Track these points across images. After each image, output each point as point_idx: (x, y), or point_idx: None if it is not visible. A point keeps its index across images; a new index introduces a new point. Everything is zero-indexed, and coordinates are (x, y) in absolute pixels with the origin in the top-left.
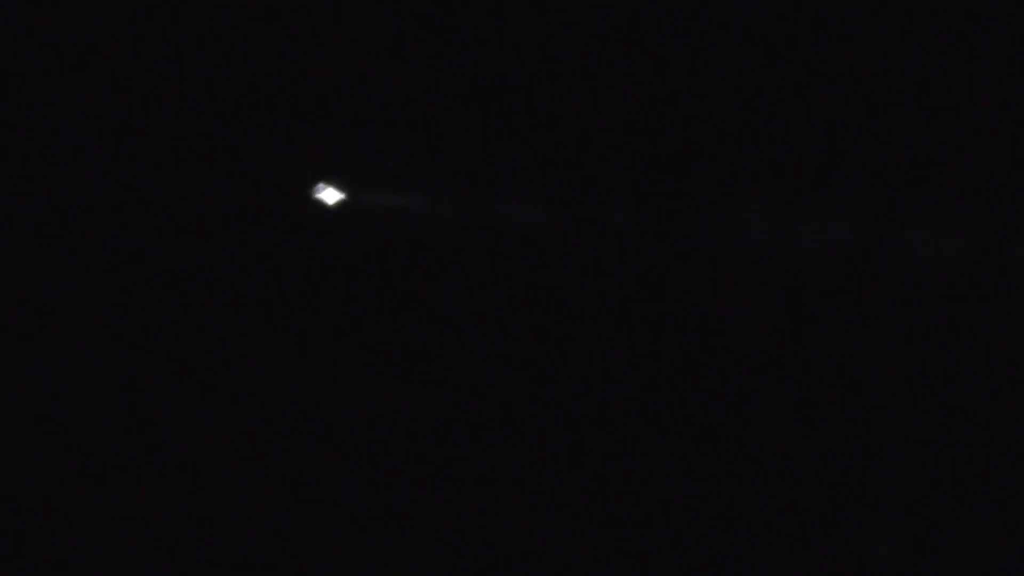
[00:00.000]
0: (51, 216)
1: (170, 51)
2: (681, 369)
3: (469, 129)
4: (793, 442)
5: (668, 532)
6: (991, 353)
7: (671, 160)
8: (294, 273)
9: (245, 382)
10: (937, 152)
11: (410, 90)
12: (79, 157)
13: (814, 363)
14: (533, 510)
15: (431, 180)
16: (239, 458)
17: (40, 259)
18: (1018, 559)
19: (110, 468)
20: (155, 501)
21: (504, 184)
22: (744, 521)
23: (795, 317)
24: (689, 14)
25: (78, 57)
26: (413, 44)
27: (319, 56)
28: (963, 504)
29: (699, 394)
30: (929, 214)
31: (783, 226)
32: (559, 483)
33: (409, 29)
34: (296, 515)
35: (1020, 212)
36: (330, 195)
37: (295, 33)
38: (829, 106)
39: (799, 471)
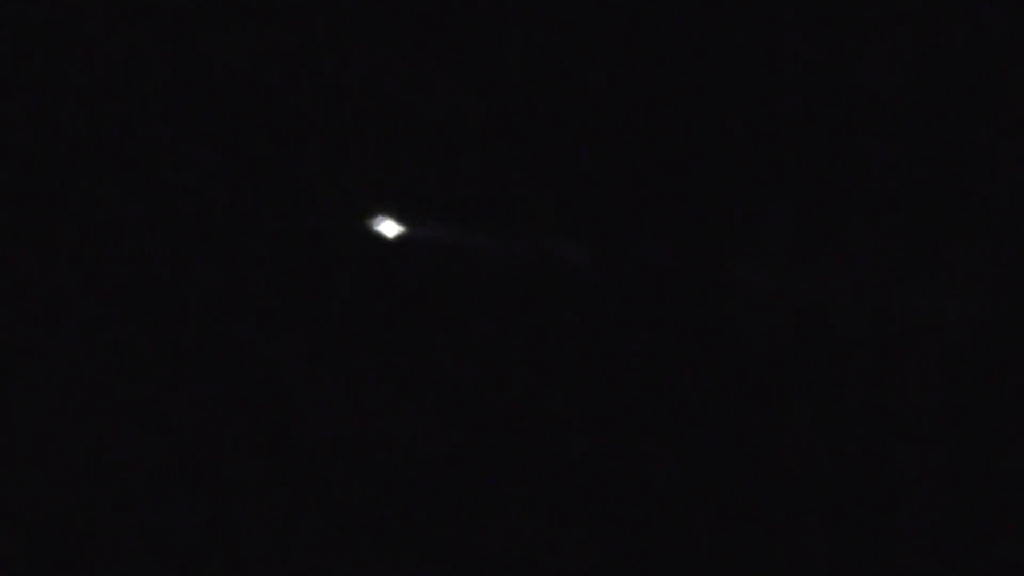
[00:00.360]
0: (96, 235)
1: (226, 78)
2: (710, 406)
3: (514, 165)
4: (821, 479)
5: (689, 569)
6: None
7: (708, 200)
8: (347, 304)
9: (290, 408)
10: (969, 202)
11: (464, 125)
12: (132, 185)
13: (845, 405)
14: (562, 544)
15: (480, 215)
16: (275, 484)
17: (86, 276)
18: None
19: (136, 488)
20: (186, 526)
21: (547, 220)
22: (765, 560)
23: (826, 361)
24: (733, 56)
25: (145, 85)
26: (464, 82)
27: (383, 91)
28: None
29: (727, 431)
30: (959, 263)
31: (815, 269)
32: (590, 518)
33: (462, 66)
34: (333, 544)
35: None
36: (388, 227)
37: (353, 66)
38: (868, 152)
39: (826, 504)
